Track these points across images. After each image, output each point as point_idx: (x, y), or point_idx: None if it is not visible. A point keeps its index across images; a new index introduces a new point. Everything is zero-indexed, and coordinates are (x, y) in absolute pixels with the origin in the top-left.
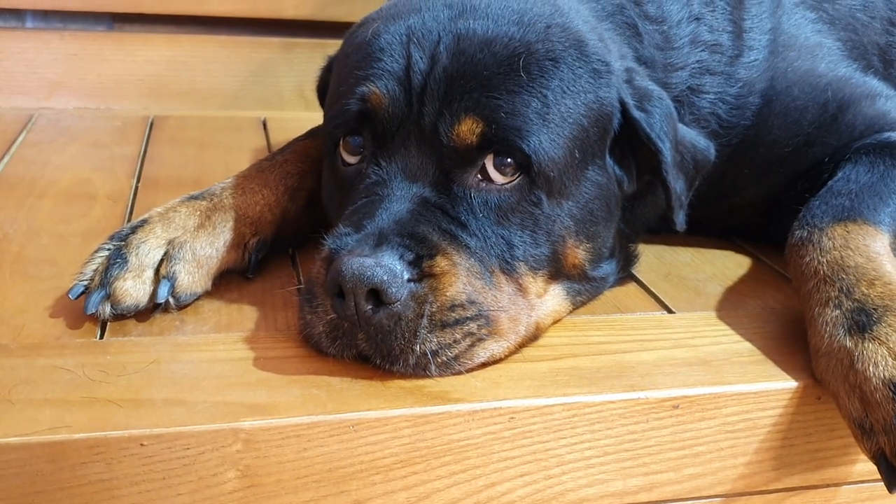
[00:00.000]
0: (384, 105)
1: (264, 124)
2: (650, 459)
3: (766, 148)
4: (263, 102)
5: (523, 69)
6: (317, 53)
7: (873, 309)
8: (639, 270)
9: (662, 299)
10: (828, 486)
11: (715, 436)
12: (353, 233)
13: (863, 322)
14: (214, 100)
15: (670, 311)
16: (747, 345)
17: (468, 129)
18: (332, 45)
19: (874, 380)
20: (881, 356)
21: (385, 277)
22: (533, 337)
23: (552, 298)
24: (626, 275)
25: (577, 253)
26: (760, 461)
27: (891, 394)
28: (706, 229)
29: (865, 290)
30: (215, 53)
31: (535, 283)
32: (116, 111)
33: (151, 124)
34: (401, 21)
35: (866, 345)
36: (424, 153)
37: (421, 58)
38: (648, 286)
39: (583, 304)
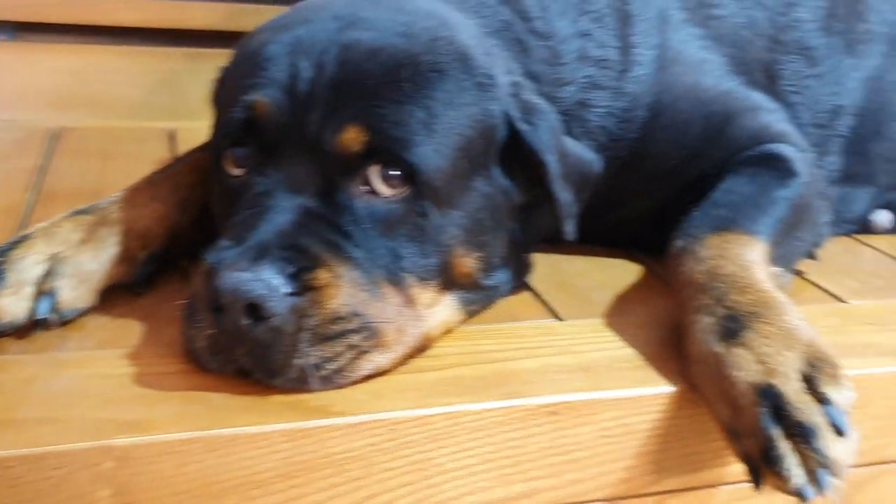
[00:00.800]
0: (269, 113)
1: (171, 135)
2: (530, 466)
3: (653, 160)
4: (171, 113)
5: (408, 80)
6: (224, 63)
7: (742, 315)
8: (534, 279)
9: (553, 307)
10: (705, 487)
11: (593, 441)
12: (233, 246)
13: (732, 328)
14: (120, 110)
15: (560, 319)
16: (629, 351)
17: (352, 137)
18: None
19: (741, 385)
20: (747, 361)
21: (263, 292)
22: (421, 348)
23: (443, 308)
24: (519, 283)
25: (467, 262)
26: (638, 465)
27: (756, 398)
28: (600, 239)
29: (737, 298)
30: (121, 63)
31: (424, 294)
32: (19, 122)
33: (54, 136)
34: (289, 32)
35: (734, 350)
36: (310, 163)
37: (307, 67)
38: (541, 295)
39: (475, 313)
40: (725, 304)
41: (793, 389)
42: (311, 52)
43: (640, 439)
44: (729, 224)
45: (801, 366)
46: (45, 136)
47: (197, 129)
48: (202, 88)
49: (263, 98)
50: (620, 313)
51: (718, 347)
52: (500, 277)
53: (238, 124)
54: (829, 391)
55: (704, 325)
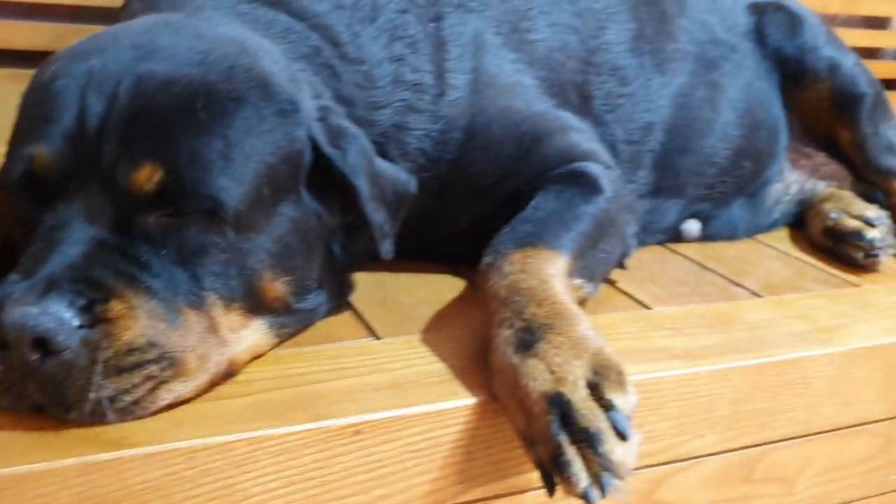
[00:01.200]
0: (50, 165)
1: None
2: (337, 485)
3: (470, 180)
4: None
5: (204, 110)
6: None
7: (538, 327)
8: (357, 298)
9: (372, 326)
10: (511, 494)
11: (399, 457)
12: (21, 280)
13: (528, 340)
14: None
15: (377, 338)
16: (440, 365)
17: (146, 176)
18: None
19: (533, 394)
20: (539, 371)
21: (51, 325)
22: (227, 374)
23: (251, 333)
24: (339, 304)
25: (276, 287)
26: (445, 476)
27: (547, 406)
28: (427, 255)
29: (533, 311)
30: None
31: (230, 319)
32: None
33: None
34: (82, 63)
35: (528, 361)
36: (104, 196)
37: (98, 102)
38: (362, 313)
39: (290, 336)
40: (523, 316)
41: (579, 397)
42: (103, 86)
43: (446, 451)
44: (533, 240)
45: (588, 374)
46: None
47: None
48: None
49: (45, 149)
50: (438, 328)
51: (515, 359)
52: (316, 300)
53: (21, 173)
54: (614, 397)
55: (504, 337)
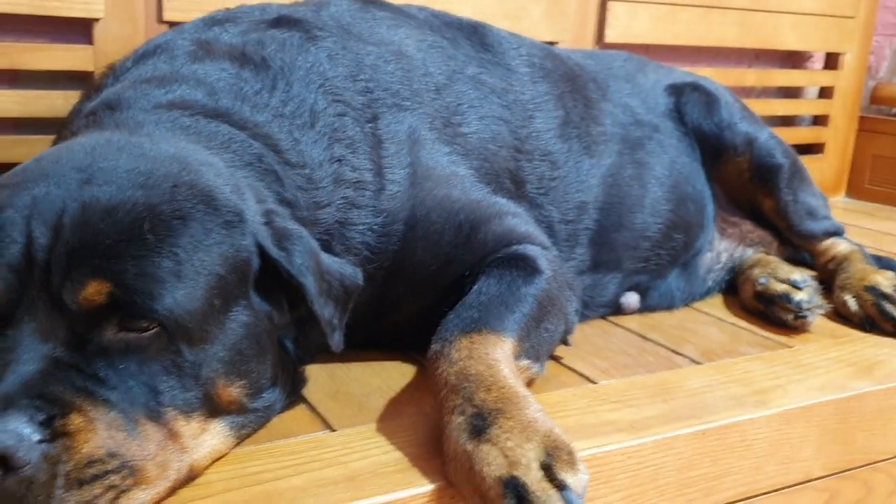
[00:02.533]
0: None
1: None
2: None
3: (413, 268)
4: None
5: (150, 231)
6: None
7: (488, 413)
8: (309, 391)
9: (327, 418)
10: None
11: None
12: None
13: (479, 426)
14: None
15: (332, 430)
16: (395, 454)
17: (94, 291)
18: None
19: (488, 479)
20: (493, 456)
21: (10, 442)
22: (188, 478)
23: (212, 437)
24: (294, 399)
25: (232, 391)
26: None
27: (502, 490)
28: (377, 342)
29: (483, 396)
30: None
31: (188, 426)
32: None
33: None
34: (27, 191)
35: (482, 447)
36: (54, 317)
37: (43, 233)
38: (315, 406)
39: (247, 435)
40: (474, 402)
41: (533, 479)
42: (47, 217)
43: None
44: (478, 325)
45: (540, 455)
46: None
47: None
48: None
49: None
50: (392, 416)
51: (469, 445)
52: (271, 397)
53: None
54: (566, 477)
55: (456, 424)
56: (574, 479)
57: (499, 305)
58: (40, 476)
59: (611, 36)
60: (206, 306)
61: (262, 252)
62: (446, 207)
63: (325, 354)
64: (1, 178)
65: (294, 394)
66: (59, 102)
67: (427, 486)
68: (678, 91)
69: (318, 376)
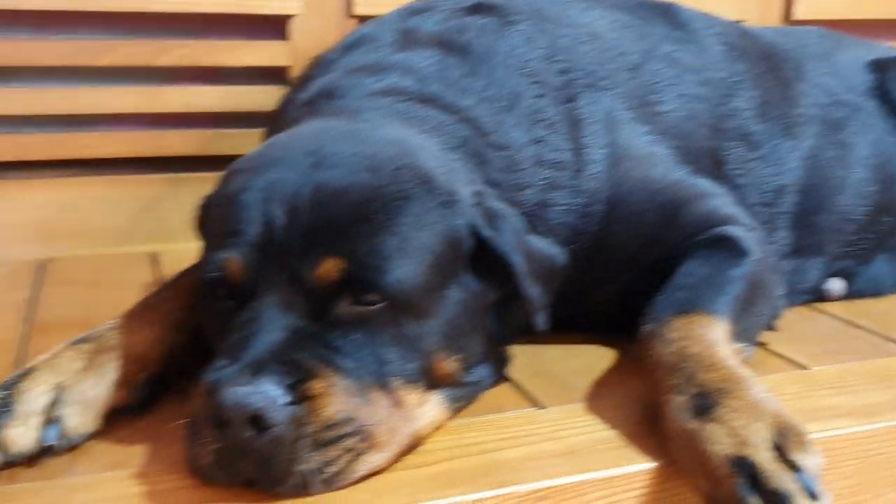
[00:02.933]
0: (242, 270)
1: (155, 259)
2: None
3: (614, 249)
4: (154, 237)
5: (377, 212)
6: (203, 187)
7: (712, 392)
8: (513, 370)
9: (534, 396)
10: None
11: None
12: (229, 364)
13: (703, 405)
14: (105, 238)
15: (541, 407)
16: (610, 432)
17: (329, 268)
18: (218, 179)
19: (716, 458)
20: (720, 435)
21: (263, 403)
22: (413, 445)
23: (430, 408)
24: (500, 376)
25: (449, 365)
26: None
27: (732, 469)
28: (574, 325)
29: (705, 376)
30: (103, 193)
31: (411, 396)
32: (4, 257)
33: (41, 267)
34: (263, 175)
35: (707, 426)
36: (293, 292)
37: (280, 215)
38: (521, 384)
39: (461, 408)
40: (695, 382)
41: (765, 459)
42: (283, 197)
43: None
44: (690, 306)
45: (770, 436)
46: (33, 269)
47: (178, 251)
48: (182, 212)
49: (236, 257)
50: (598, 396)
51: (692, 424)
52: (481, 373)
53: (215, 279)
54: (799, 458)
55: (678, 403)
56: (808, 460)
57: (708, 287)
58: (288, 436)
59: (800, 12)
60: (426, 282)
61: (475, 232)
62: (647, 188)
63: (523, 336)
64: (235, 163)
65: (500, 371)
66: (258, 97)
67: (648, 464)
68: (882, 67)
69: (520, 356)
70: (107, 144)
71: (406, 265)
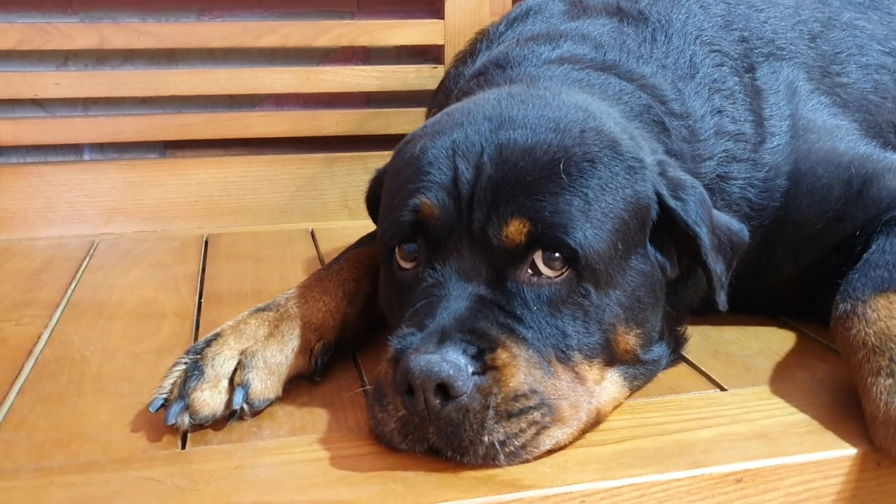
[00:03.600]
0: (435, 214)
1: (312, 235)
2: None
3: (796, 226)
4: (310, 214)
5: (563, 172)
6: (357, 166)
7: None
8: (687, 351)
9: (713, 377)
10: None
11: None
12: (416, 332)
13: None
14: (264, 215)
15: (722, 389)
16: (801, 416)
17: (516, 229)
18: (371, 157)
19: None
20: None
21: (451, 372)
22: (594, 422)
23: (610, 384)
24: (676, 356)
25: (629, 339)
26: None
27: None
28: (748, 307)
29: None
30: (263, 172)
31: (591, 371)
32: (173, 232)
33: (207, 242)
34: (445, 136)
35: None
36: (476, 255)
37: (467, 169)
38: (698, 365)
39: (639, 387)
40: None
41: None
42: (468, 155)
43: None
44: (891, 284)
45: None
46: (199, 243)
47: (333, 228)
48: (338, 190)
49: (429, 200)
50: (782, 379)
51: None
52: (659, 351)
53: (407, 225)
54: None
55: (885, 386)
56: None
57: None
58: (475, 405)
59: None
60: (610, 248)
61: (660, 200)
62: (833, 161)
63: (692, 317)
64: (413, 131)
65: (678, 351)
66: (410, 77)
67: (850, 450)
68: None
69: (695, 337)
70: (267, 124)
71: (592, 228)
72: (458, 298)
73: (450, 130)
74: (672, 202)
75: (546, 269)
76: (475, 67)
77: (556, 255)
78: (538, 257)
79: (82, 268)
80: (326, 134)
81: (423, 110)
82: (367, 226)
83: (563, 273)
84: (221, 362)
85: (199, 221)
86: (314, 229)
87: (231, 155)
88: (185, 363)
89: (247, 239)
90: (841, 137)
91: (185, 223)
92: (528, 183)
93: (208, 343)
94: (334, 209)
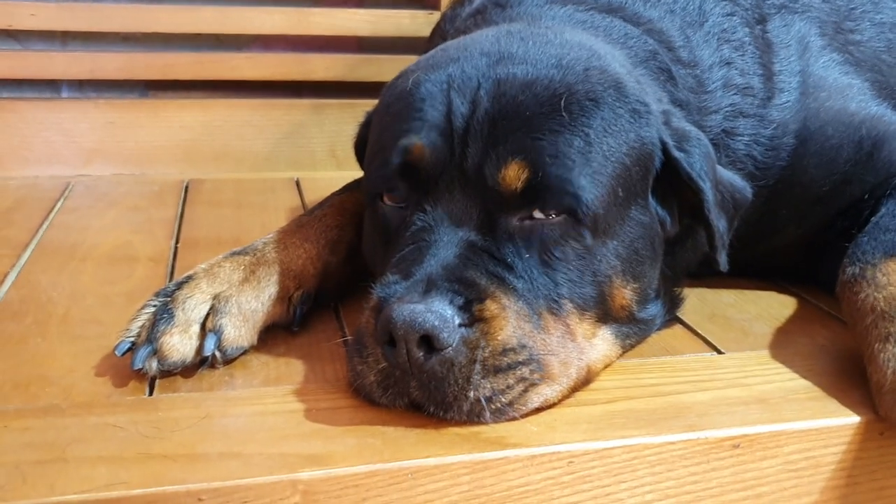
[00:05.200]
0: (426, 156)
1: (298, 185)
2: (712, 501)
3: (802, 188)
4: (296, 163)
5: (565, 109)
6: (347, 114)
7: None
8: (683, 313)
9: (710, 340)
10: None
11: (777, 475)
12: (401, 280)
13: None
14: (248, 162)
15: (719, 352)
16: (802, 382)
17: (514, 174)
18: (362, 105)
19: None
20: None
21: (436, 323)
22: (585, 381)
23: (602, 342)
24: (672, 317)
25: (624, 293)
26: (825, 500)
27: None
28: (748, 271)
29: None
30: (248, 117)
31: (582, 326)
32: (152, 176)
33: (187, 188)
34: (440, 70)
35: None
36: (469, 197)
37: (462, 103)
38: (695, 328)
39: (632, 346)
40: None
41: None
42: (464, 89)
43: (826, 473)
44: None
45: None
46: (179, 188)
47: (319, 178)
48: (325, 138)
49: (420, 141)
50: (783, 345)
51: None
52: (654, 310)
53: (395, 167)
54: None
55: (894, 353)
56: None
57: None
58: (460, 359)
59: None
60: (610, 194)
61: (664, 150)
62: (844, 121)
63: (690, 279)
64: (408, 67)
65: (673, 311)
66: (404, 22)
67: (852, 418)
68: None
69: (689, 299)
70: (254, 67)
71: (589, 171)
72: (447, 245)
73: (445, 65)
74: (676, 153)
75: (541, 215)
76: (473, 7)
77: (554, 201)
78: (536, 201)
79: (56, 209)
80: (316, 79)
81: (416, 58)
82: (355, 177)
83: (559, 219)
84: (193, 306)
85: (181, 166)
86: (300, 179)
87: (215, 98)
88: (155, 306)
89: (229, 186)
90: (852, 97)
91: (165, 167)
92: (526, 118)
93: (179, 286)
94: (321, 158)
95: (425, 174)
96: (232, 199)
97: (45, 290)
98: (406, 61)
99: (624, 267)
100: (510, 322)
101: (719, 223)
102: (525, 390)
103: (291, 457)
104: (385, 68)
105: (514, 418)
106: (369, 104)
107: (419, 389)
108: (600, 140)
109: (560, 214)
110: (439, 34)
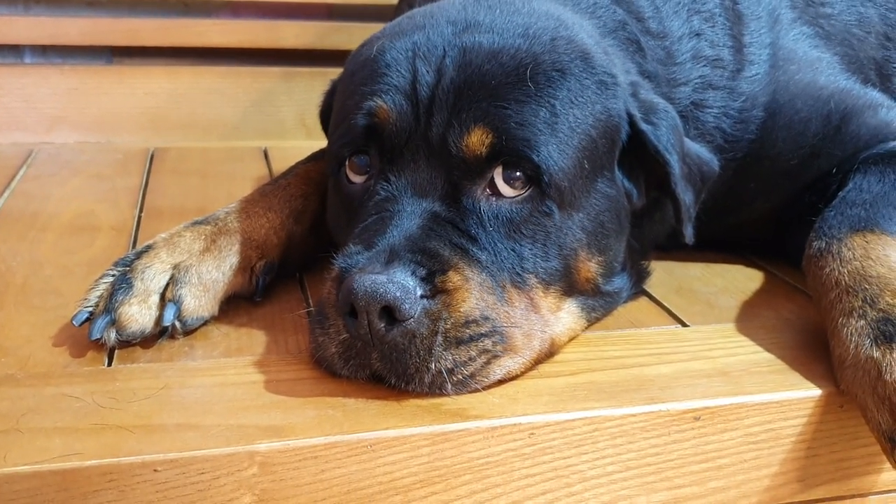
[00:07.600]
0: (391, 119)
1: (266, 154)
2: (673, 473)
3: (771, 161)
4: (264, 132)
5: (531, 79)
6: (317, 82)
7: None
8: (650, 286)
9: (676, 313)
10: (853, 496)
11: (738, 447)
12: (363, 251)
13: (890, 332)
14: (215, 130)
15: (684, 325)
16: (765, 355)
17: (478, 139)
18: (332, 73)
19: None
20: None
21: (398, 294)
22: (548, 353)
23: (566, 315)
24: (638, 290)
25: (590, 266)
26: (785, 472)
27: None
28: (716, 244)
29: (890, 300)
30: (215, 84)
31: (546, 299)
32: (117, 144)
33: (152, 156)
34: (405, 38)
35: (891, 356)
36: (433, 166)
37: (427, 71)
38: (661, 301)
39: (597, 319)
40: (878, 306)
41: None
42: (430, 57)
43: (786, 445)
44: (868, 224)
45: None
46: (144, 157)
47: (288, 148)
48: (295, 107)
49: (385, 104)
50: (747, 318)
51: (875, 352)
52: (620, 283)
53: (360, 131)
54: None
55: (856, 328)
56: None
57: (886, 205)
58: (422, 330)
59: None
60: (576, 166)
61: (631, 122)
62: (812, 94)
63: (658, 252)
64: (373, 34)
65: (639, 284)
66: None
67: (813, 391)
68: None
69: (656, 273)
70: (222, 34)
71: (558, 143)
72: (410, 215)
73: (410, 33)
74: (643, 125)
75: (506, 187)
76: None
77: (518, 173)
78: (498, 174)
79: (17, 177)
80: (285, 46)
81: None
82: (325, 144)
83: (524, 191)
84: (152, 276)
85: (146, 134)
86: (268, 148)
87: (182, 65)
88: (113, 275)
89: (195, 155)
90: (822, 70)
91: (130, 135)
92: (492, 87)
93: (139, 255)
94: (290, 127)
95: (390, 141)
96: (198, 168)
97: (4, 259)
98: (376, 29)
99: (589, 240)
100: (473, 294)
101: (686, 196)
102: (487, 362)
103: (250, 428)
104: (356, 36)
105: (477, 390)
106: (339, 72)
107: (380, 361)
108: (566, 111)
109: (525, 188)
110: (406, 2)
